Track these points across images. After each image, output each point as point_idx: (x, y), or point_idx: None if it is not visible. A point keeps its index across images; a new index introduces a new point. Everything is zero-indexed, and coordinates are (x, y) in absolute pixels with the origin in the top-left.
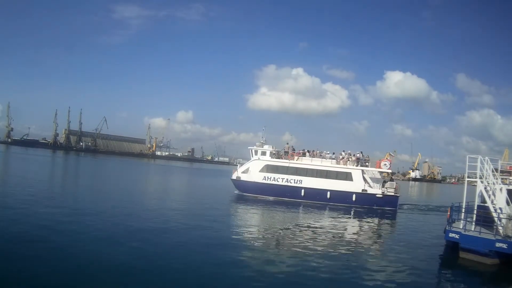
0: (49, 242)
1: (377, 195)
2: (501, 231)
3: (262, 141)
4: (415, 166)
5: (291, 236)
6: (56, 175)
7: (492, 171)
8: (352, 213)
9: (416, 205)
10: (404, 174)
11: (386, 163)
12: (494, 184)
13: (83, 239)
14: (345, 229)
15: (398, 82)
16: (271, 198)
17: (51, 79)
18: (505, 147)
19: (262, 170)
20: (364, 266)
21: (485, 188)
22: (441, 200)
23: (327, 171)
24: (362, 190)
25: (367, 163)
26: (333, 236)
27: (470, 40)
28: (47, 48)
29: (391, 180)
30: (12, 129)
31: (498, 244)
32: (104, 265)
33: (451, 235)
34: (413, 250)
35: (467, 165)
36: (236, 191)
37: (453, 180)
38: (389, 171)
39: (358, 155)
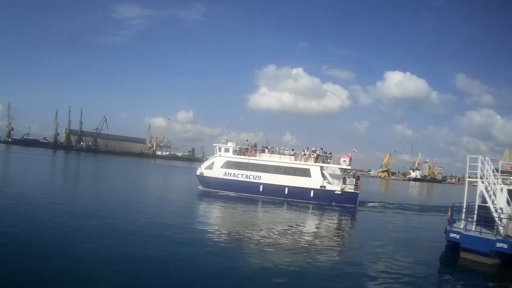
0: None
1: (336, 192)
2: (501, 231)
3: (226, 138)
4: (416, 166)
5: (242, 232)
6: (51, 175)
7: (493, 171)
8: (310, 210)
9: (386, 203)
10: (404, 174)
11: (346, 159)
12: (494, 184)
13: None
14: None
15: (398, 82)
16: (231, 193)
17: (51, 78)
18: (506, 147)
19: (223, 166)
20: (363, 264)
21: (485, 188)
22: (423, 199)
23: (285, 167)
24: (321, 186)
25: (329, 160)
26: (303, 234)
27: (470, 40)
28: (47, 48)
29: (358, 177)
30: (12, 129)
31: (498, 244)
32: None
33: (451, 235)
34: (413, 250)
35: (467, 165)
36: (200, 187)
37: (454, 180)
38: (349, 167)
39: (317, 151)
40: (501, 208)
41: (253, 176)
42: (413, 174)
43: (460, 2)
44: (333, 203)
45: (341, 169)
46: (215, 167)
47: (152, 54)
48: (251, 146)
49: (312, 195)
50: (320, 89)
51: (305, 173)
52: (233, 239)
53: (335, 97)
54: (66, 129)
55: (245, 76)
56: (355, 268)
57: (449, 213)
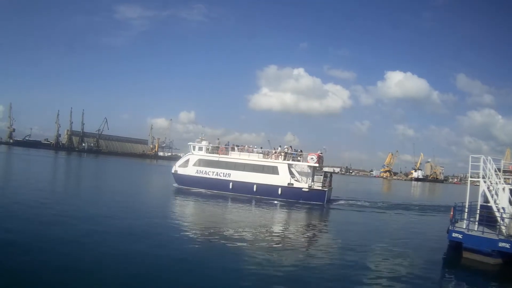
0: None
1: (303, 189)
2: (504, 230)
3: (201, 137)
4: (418, 166)
5: (207, 232)
6: (52, 175)
7: (495, 171)
8: (277, 207)
9: (356, 201)
10: (406, 174)
11: (313, 157)
12: (496, 183)
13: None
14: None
15: (399, 82)
16: (203, 190)
17: (53, 79)
18: (507, 147)
19: (195, 164)
20: (365, 265)
21: (488, 187)
22: (400, 197)
23: (253, 165)
24: (288, 184)
25: (299, 158)
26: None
27: (470, 40)
28: (48, 49)
29: (329, 175)
30: (14, 130)
31: (501, 244)
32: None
33: (454, 235)
34: (415, 250)
35: (470, 165)
36: (175, 184)
37: (456, 180)
38: (316, 165)
39: (285, 149)
40: (503, 208)
41: (223, 173)
42: (415, 174)
43: (460, 2)
44: (300, 200)
45: (309, 166)
46: (189, 165)
47: (153, 54)
48: (225, 145)
49: (280, 192)
50: (322, 89)
51: (273, 170)
52: (198, 239)
53: (336, 97)
54: (68, 130)
55: (247, 77)
56: (356, 268)
57: (452, 213)
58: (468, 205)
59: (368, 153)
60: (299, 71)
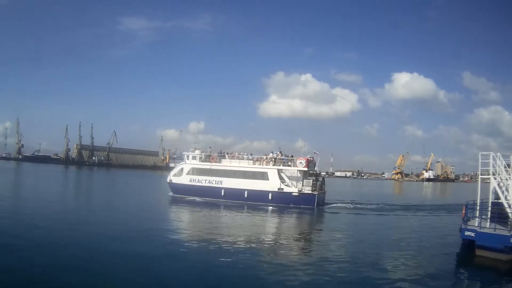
0: None
1: (293, 194)
2: None
3: (194, 147)
4: (428, 167)
5: (200, 240)
6: (61, 189)
7: (505, 167)
8: (269, 212)
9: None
10: (417, 175)
11: (302, 161)
12: (507, 180)
13: None
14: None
15: (406, 84)
16: (196, 198)
17: (60, 94)
18: None
19: (188, 173)
20: (378, 264)
21: (498, 184)
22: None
23: (244, 171)
24: (278, 189)
25: (289, 163)
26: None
27: (474, 38)
28: (54, 63)
29: (321, 179)
30: (22, 146)
31: None
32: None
33: (467, 233)
34: (428, 250)
35: (479, 162)
36: (171, 193)
37: (466, 178)
38: (305, 169)
39: (274, 155)
40: None
41: (215, 181)
42: (426, 175)
43: (463, 1)
44: (291, 205)
45: (299, 171)
46: (183, 174)
47: (160, 65)
48: (218, 153)
49: (270, 197)
50: (330, 94)
51: (263, 176)
52: (189, 247)
53: (345, 101)
54: (77, 144)
55: (254, 84)
56: (367, 267)
57: (464, 211)
58: (480, 202)
59: (379, 155)
60: (307, 76)
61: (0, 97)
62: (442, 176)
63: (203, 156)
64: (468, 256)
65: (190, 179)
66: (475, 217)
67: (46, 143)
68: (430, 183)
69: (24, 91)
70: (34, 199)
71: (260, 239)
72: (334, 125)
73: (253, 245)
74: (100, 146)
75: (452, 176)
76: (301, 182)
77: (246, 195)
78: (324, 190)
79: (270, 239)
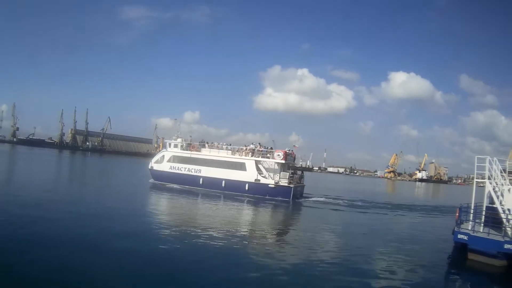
0: None
1: (270, 185)
2: (509, 232)
3: (176, 135)
4: (422, 167)
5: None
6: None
7: (501, 172)
8: (245, 202)
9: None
10: (410, 175)
11: (280, 153)
12: (502, 185)
13: None
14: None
15: (402, 83)
16: (175, 185)
17: (56, 79)
18: (510, 147)
19: (169, 160)
20: (370, 265)
21: (493, 189)
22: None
23: (222, 161)
24: (255, 180)
25: (268, 155)
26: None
27: (472, 40)
28: (52, 48)
29: (297, 172)
30: (17, 129)
31: (506, 246)
32: None
33: (459, 236)
34: (419, 251)
35: (475, 166)
36: (151, 180)
37: (459, 181)
38: (282, 161)
39: (252, 146)
40: (509, 209)
41: (194, 169)
42: (419, 175)
43: (462, 2)
44: (267, 196)
45: (277, 163)
46: (164, 161)
47: (157, 54)
48: (200, 142)
49: (247, 188)
50: (326, 90)
51: (241, 167)
52: (163, 236)
53: (340, 97)
54: (71, 129)
55: (251, 77)
56: (356, 269)
57: (457, 214)
58: (474, 206)
59: (373, 153)
60: (303, 71)
61: None
62: (435, 177)
63: (184, 144)
64: (460, 259)
65: (171, 166)
66: (469, 220)
67: (41, 127)
68: (423, 183)
69: (21, 76)
70: (24, 181)
71: (228, 230)
72: (329, 121)
73: (213, 234)
74: (95, 132)
75: (445, 177)
76: (278, 175)
77: (223, 185)
78: (302, 183)
79: (238, 230)
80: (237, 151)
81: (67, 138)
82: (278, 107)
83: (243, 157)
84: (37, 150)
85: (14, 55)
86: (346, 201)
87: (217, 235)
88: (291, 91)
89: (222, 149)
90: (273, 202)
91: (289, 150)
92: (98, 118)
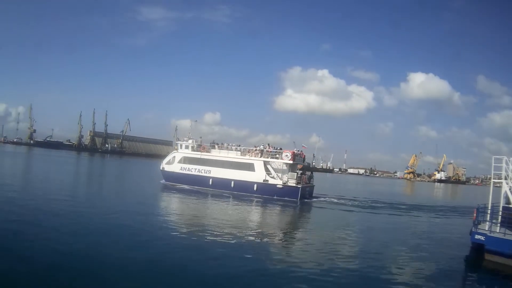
0: None
1: (278, 186)
2: None
3: (188, 136)
4: (440, 168)
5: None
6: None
7: None
8: (254, 203)
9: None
10: (429, 176)
11: (288, 154)
12: None
13: None
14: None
15: (421, 84)
16: (186, 186)
17: (75, 81)
18: None
19: (180, 162)
20: (388, 264)
21: (510, 189)
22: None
23: (231, 162)
24: (264, 180)
25: (277, 155)
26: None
27: (489, 42)
28: (70, 50)
29: (305, 172)
30: (34, 131)
31: None
32: None
33: (476, 237)
34: (438, 251)
35: (492, 166)
36: (162, 181)
37: (477, 181)
38: (290, 162)
39: (261, 147)
40: None
41: (204, 170)
42: (438, 176)
43: (479, 3)
44: (275, 197)
45: (286, 163)
46: (174, 162)
47: (177, 55)
48: (210, 143)
49: (255, 188)
50: (346, 90)
51: (249, 167)
52: (172, 237)
53: (360, 98)
54: (90, 131)
55: (271, 78)
56: (374, 268)
57: (475, 215)
58: (491, 206)
59: (392, 154)
60: (323, 72)
61: (14, 82)
62: (453, 178)
63: (195, 145)
64: (476, 260)
65: (181, 167)
66: (486, 221)
67: (58, 129)
68: (442, 184)
69: (39, 77)
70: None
71: (231, 231)
72: (349, 122)
73: (216, 233)
74: (114, 134)
75: (463, 178)
76: (287, 175)
77: (232, 185)
78: (312, 184)
79: (241, 231)
80: (247, 152)
81: (86, 140)
82: (298, 108)
83: (252, 157)
84: (54, 152)
85: (31, 56)
86: (360, 202)
87: (219, 236)
88: (311, 92)
89: (232, 150)
90: (281, 202)
91: (298, 151)
92: (117, 120)
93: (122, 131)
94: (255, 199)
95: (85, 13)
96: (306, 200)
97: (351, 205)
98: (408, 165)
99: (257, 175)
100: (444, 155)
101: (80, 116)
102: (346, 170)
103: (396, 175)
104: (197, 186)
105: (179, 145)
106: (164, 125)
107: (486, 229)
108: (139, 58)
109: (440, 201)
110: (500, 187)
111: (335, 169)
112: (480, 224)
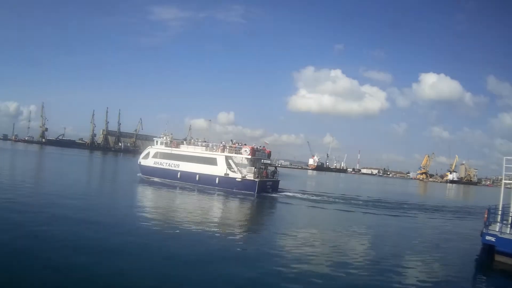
0: None
1: (237, 179)
2: None
3: (164, 133)
4: (453, 168)
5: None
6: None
7: None
8: (215, 195)
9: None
10: (442, 176)
11: (247, 149)
12: None
13: None
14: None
15: (433, 84)
16: (157, 179)
17: (88, 80)
18: None
19: (154, 156)
20: (399, 265)
21: None
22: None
23: (196, 156)
24: (225, 174)
25: (241, 151)
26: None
27: (499, 42)
28: (83, 49)
29: (265, 167)
30: (46, 129)
31: None
32: None
33: (487, 238)
34: (449, 252)
35: (504, 167)
36: (139, 174)
37: (488, 182)
38: (249, 156)
39: (223, 143)
40: None
41: (173, 164)
42: (450, 176)
43: (491, 4)
44: (234, 190)
45: (246, 158)
46: (149, 157)
47: (190, 55)
48: (183, 139)
49: (217, 181)
50: (359, 91)
51: (212, 162)
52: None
53: (373, 99)
54: (103, 130)
55: (284, 78)
56: (386, 269)
57: (486, 216)
58: (502, 207)
59: (405, 155)
60: (336, 72)
61: (25, 81)
62: (465, 179)
63: (168, 141)
64: (487, 261)
65: (155, 161)
66: (497, 222)
67: (71, 128)
68: (454, 185)
69: (52, 76)
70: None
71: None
72: (363, 122)
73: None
74: (127, 133)
75: (475, 179)
76: (245, 169)
77: (197, 178)
78: (276, 179)
79: (196, 222)
80: (212, 147)
81: (99, 139)
82: (311, 108)
83: (215, 152)
84: (67, 151)
85: (44, 55)
86: (327, 197)
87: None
88: (324, 92)
89: (198, 146)
90: (240, 195)
91: (260, 146)
92: (130, 119)
93: (135, 130)
94: (217, 192)
95: (98, 12)
96: (267, 194)
97: (317, 201)
98: (421, 165)
99: (219, 169)
100: (456, 156)
101: (93, 115)
102: (360, 170)
103: (409, 176)
104: (167, 179)
105: (155, 141)
106: (178, 125)
107: (497, 230)
108: (153, 57)
109: (451, 202)
110: (511, 188)
111: (348, 169)
112: (491, 225)
